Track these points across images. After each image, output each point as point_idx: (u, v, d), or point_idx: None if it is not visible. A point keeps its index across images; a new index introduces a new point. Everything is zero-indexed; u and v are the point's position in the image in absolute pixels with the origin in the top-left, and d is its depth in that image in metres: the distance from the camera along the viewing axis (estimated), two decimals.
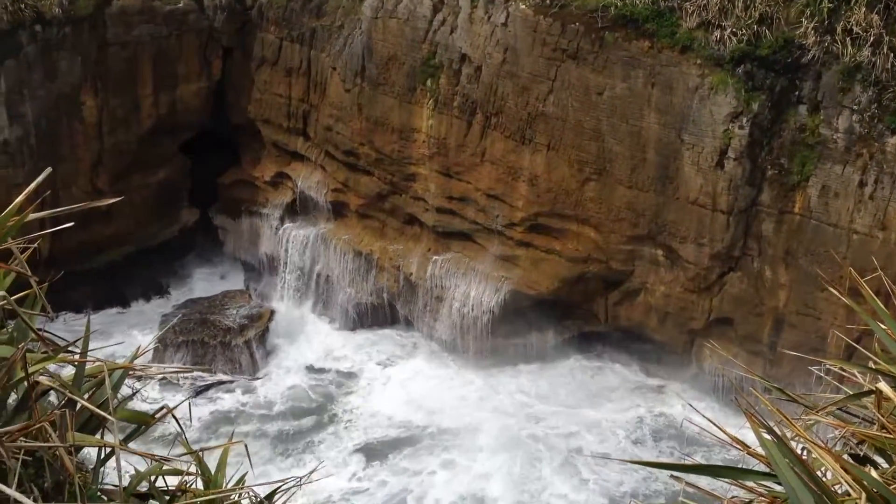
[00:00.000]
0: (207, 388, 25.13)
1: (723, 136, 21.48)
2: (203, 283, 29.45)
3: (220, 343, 26.01)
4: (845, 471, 2.12)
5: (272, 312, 27.30)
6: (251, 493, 3.20)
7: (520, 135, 24.13)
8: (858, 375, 2.85)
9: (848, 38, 20.29)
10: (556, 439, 23.27)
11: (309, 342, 27.25)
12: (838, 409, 2.76)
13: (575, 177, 23.62)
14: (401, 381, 25.68)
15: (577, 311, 25.75)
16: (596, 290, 24.90)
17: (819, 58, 20.65)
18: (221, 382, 25.34)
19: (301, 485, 3.44)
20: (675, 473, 2.62)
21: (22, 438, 2.37)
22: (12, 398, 2.60)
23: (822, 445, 2.30)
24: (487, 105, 24.42)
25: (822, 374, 3.29)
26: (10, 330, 2.77)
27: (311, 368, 26.34)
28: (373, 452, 23.06)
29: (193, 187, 30.13)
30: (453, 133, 25.17)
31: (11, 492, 2.16)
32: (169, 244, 29.69)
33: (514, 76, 23.77)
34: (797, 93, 21.16)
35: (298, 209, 29.41)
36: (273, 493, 3.28)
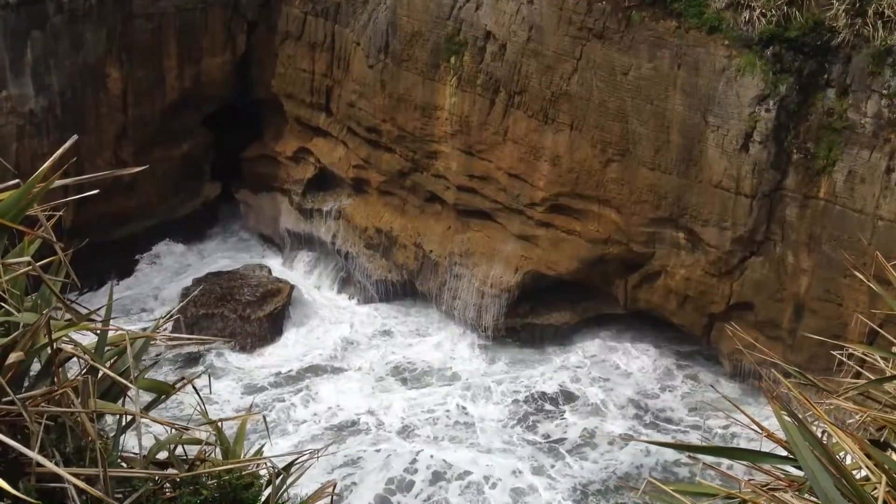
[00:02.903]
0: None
1: (749, 119, 21.24)
2: (224, 257, 29.61)
3: (240, 317, 26.18)
4: (867, 455, 2.11)
5: (292, 287, 27.41)
6: (269, 464, 3.23)
7: (543, 114, 23.98)
8: (881, 361, 2.83)
9: (879, 22, 19.95)
10: (571, 418, 23.30)
11: (327, 317, 27.35)
12: (858, 393, 2.74)
13: (597, 157, 23.47)
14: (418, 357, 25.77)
15: (596, 293, 25.67)
16: (616, 272, 24.80)
17: (849, 41, 20.33)
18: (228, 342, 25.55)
19: (318, 457, 3.46)
20: (693, 454, 2.61)
21: (44, 403, 2.40)
22: (36, 364, 2.63)
23: (844, 429, 2.28)
24: (511, 83, 24.27)
25: (843, 359, 3.27)
26: (34, 297, 2.80)
27: (327, 343, 26.45)
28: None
29: (216, 161, 30.23)
30: (476, 111, 25.06)
31: (34, 455, 2.19)
32: (191, 217, 29.83)
33: (539, 55, 23.59)
34: (826, 76, 20.86)
35: (320, 185, 29.45)
36: (290, 464, 3.31)
